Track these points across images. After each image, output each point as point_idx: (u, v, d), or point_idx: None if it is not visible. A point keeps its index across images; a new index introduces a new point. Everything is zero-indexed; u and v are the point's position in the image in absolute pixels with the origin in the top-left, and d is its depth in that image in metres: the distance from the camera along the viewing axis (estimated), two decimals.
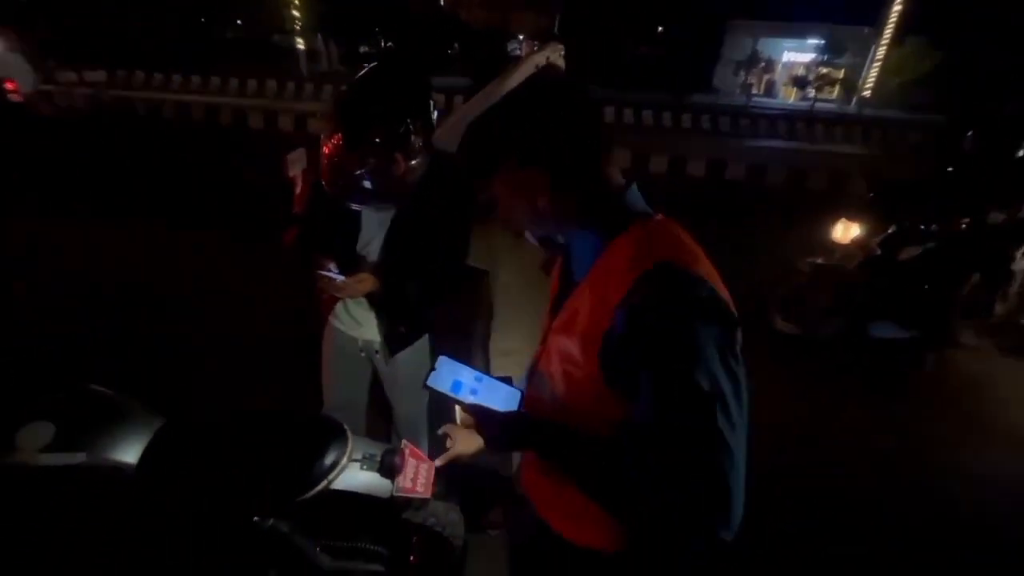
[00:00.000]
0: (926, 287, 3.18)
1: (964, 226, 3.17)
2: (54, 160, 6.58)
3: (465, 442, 0.97)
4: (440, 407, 0.95)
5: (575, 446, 0.74)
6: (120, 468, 0.97)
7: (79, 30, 16.53)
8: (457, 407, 0.89)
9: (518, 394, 0.86)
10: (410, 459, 1.21)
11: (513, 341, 1.23)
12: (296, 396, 1.69)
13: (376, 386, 1.80)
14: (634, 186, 0.79)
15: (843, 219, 3.29)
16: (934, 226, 3.15)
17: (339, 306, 1.66)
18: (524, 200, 0.76)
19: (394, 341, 1.63)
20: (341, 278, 1.42)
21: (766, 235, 5.28)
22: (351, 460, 1.13)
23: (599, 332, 0.69)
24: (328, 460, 1.10)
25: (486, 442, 0.82)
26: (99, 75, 9.67)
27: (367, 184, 1.33)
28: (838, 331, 3.20)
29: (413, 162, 1.35)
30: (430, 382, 0.83)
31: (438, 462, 1.06)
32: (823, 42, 22.36)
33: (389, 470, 1.16)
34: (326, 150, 1.34)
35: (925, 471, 2.45)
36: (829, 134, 13.65)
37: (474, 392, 0.84)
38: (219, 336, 3.05)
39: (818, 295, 3.30)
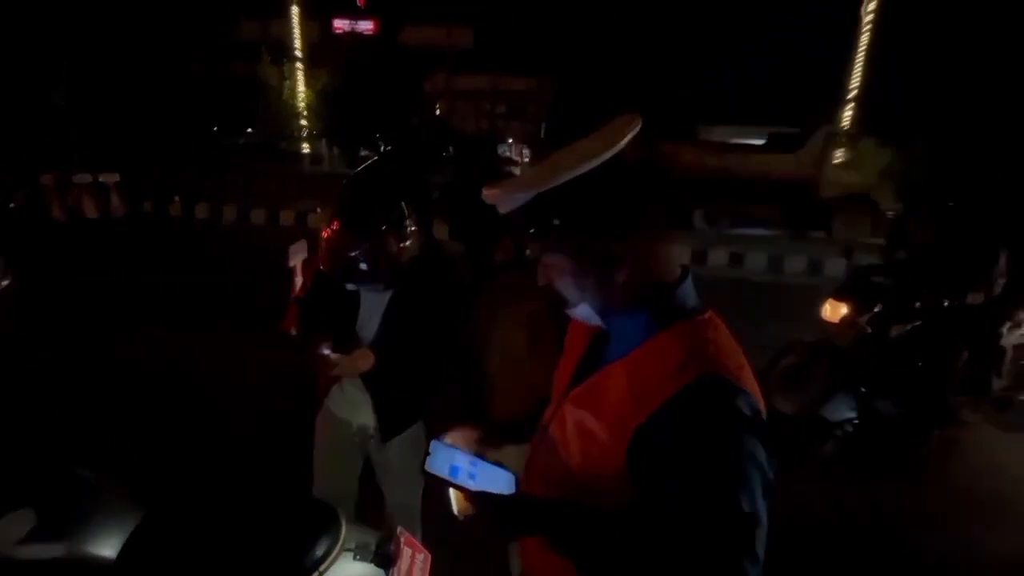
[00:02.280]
0: (920, 364, 3.21)
1: (946, 304, 3.27)
2: (67, 259, 6.78)
3: None
4: (435, 492, 0.91)
5: (584, 534, 0.71)
6: (99, 562, 0.91)
7: (96, 133, 17.87)
8: (452, 496, 0.86)
9: (513, 479, 0.85)
10: (406, 548, 1.14)
11: (512, 406, 1.22)
12: (287, 483, 1.64)
13: (366, 475, 1.74)
14: (689, 279, 0.77)
15: (830, 299, 3.38)
16: (918, 304, 3.25)
17: (335, 389, 1.65)
18: (595, 272, 0.72)
19: (388, 426, 1.61)
20: (337, 356, 1.44)
21: (754, 317, 5.38)
22: (344, 550, 1.07)
23: (631, 425, 0.67)
24: (320, 550, 1.03)
25: (490, 531, 0.78)
26: (114, 177, 10.18)
27: (363, 265, 1.41)
28: (839, 409, 3.16)
29: (406, 244, 1.45)
30: (428, 467, 0.81)
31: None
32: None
33: (384, 561, 1.08)
34: (325, 235, 1.45)
35: (932, 551, 2.36)
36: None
37: (472, 476, 0.82)
38: (215, 420, 3.03)
39: (814, 374, 3.30)
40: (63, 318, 4.53)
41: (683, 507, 0.62)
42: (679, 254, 0.78)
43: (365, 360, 1.46)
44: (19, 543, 0.85)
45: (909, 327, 3.23)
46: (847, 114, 21.20)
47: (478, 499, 0.77)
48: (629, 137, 0.71)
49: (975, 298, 3.32)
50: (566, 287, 0.76)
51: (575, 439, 0.77)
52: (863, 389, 3.18)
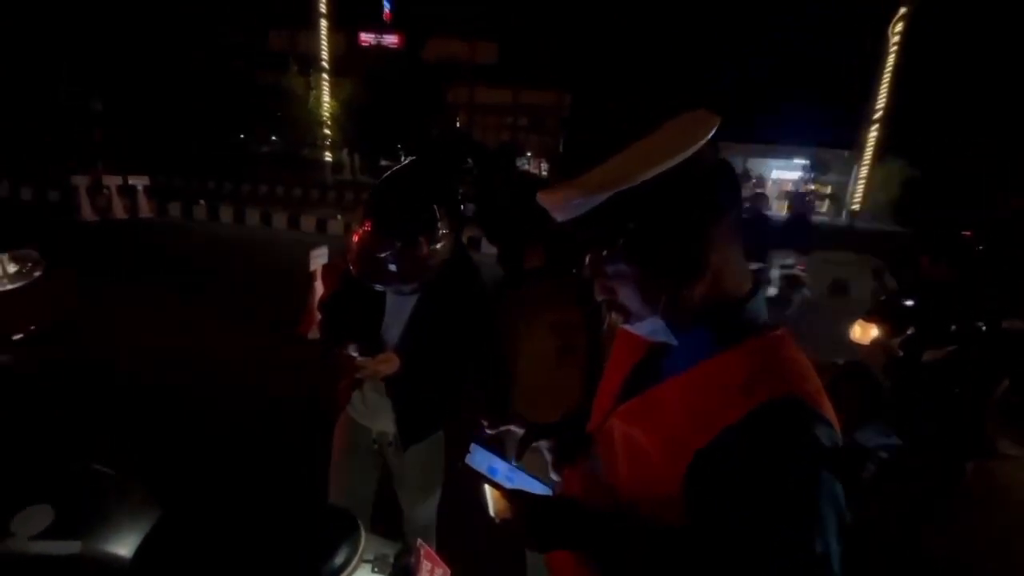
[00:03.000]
0: (956, 391, 3.07)
1: (983, 329, 3.13)
2: (97, 258, 6.95)
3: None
4: (449, 498, 0.87)
5: (627, 550, 0.65)
6: (115, 560, 0.88)
7: (129, 137, 18.51)
8: (489, 496, 0.83)
9: (550, 492, 0.82)
10: (425, 562, 1.09)
11: (539, 416, 1.18)
12: (304, 486, 1.61)
13: (381, 484, 1.70)
14: (761, 292, 0.70)
15: (860, 320, 3.27)
16: (954, 327, 3.12)
17: (356, 395, 1.62)
18: (670, 282, 0.66)
19: (409, 432, 1.57)
20: (362, 358, 1.41)
21: None
22: (362, 560, 1.02)
23: (692, 446, 0.62)
24: (338, 559, 0.99)
25: (524, 537, 0.71)
26: (143, 180, 10.49)
27: (392, 267, 1.38)
28: (872, 435, 3.03)
29: (437, 246, 1.41)
30: (468, 461, 0.80)
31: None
32: (808, 162, 24.30)
33: (403, 573, 1.04)
34: (355, 237, 1.42)
35: None
36: (824, 242, 14.22)
37: (510, 480, 0.80)
38: (234, 422, 3.03)
39: (844, 397, 3.18)
40: (79, 317, 4.58)
41: (748, 541, 0.56)
42: (749, 266, 0.72)
43: (389, 363, 1.43)
44: (35, 538, 0.83)
45: (943, 352, 3.10)
46: (872, 134, 20.96)
47: (516, 498, 0.72)
48: (711, 133, 0.64)
49: (1013, 324, 3.18)
50: (633, 300, 0.69)
51: (624, 457, 0.71)
52: (895, 415, 3.05)
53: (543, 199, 0.67)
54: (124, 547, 0.92)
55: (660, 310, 0.68)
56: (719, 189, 0.66)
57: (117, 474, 1.08)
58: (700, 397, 0.64)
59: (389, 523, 1.72)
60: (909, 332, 3.14)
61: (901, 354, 3.12)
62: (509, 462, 0.82)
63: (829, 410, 0.62)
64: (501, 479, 0.79)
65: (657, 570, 0.62)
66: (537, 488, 0.80)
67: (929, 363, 3.09)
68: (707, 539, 0.59)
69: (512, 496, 0.72)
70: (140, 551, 0.92)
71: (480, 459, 0.81)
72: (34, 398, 2.88)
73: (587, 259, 0.71)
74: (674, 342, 0.71)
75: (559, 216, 0.67)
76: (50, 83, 18.25)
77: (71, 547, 0.85)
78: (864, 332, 3.26)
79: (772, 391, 0.60)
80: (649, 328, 0.70)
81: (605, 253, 0.68)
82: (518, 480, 0.80)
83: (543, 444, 0.86)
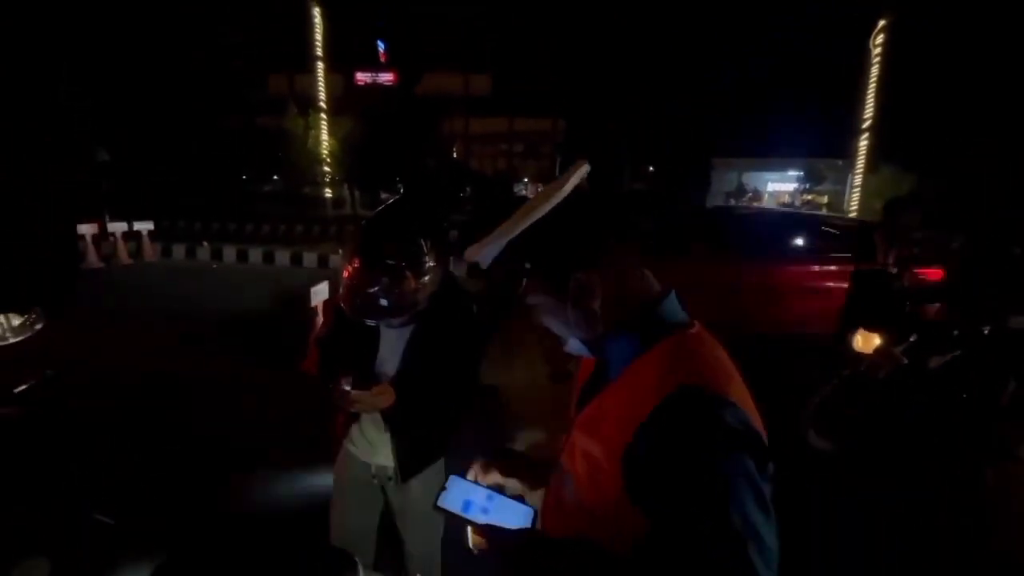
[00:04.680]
0: (964, 396, 3.03)
1: (987, 332, 3.10)
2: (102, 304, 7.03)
3: None
4: (455, 535, 0.88)
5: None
6: None
7: (134, 184, 18.91)
8: (469, 529, 0.84)
9: (531, 512, 0.83)
10: None
11: (530, 448, 1.18)
12: (305, 524, 1.60)
13: (385, 519, 1.69)
14: (672, 293, 0.78)
15: (861, 328, 3.25)
16: (956, 332, 3.09)
17: (354, 429, 1.63)
18: (572, 305, 0.75)
19: (408, 465, 1.57)
20: (357, 392, 1.42)
21: (784, 346, 5.20)
22: None
23: (621, 446, 0.67)
24: None
25: (503, 566, 0.74)
26: (147, 225, 10.68)
27: (382, 301, 1.41)
28: (877, 445, 2.97)
29: (424, 279, 1.44)
30: (440, 502, 0.82)
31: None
32: (802, 173, 24.50)
33: None
34: (346, 274, 1.45)
35: None
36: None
37: (486, 511, 0.82)
38: (240, 457, 3.01)
39: (849, 408, 3.14)
40: (87, 358, 4.61)
41: (671, 531, 0.59)
42: (650, 273, 0.80)
43: (385, 396, 1.44)
44: None
45: (949, 357, 3.06)
46: (863, 143, 21.19)
47: (486, 533, 0.75)
48: (575, 180, 0.76)
49: (1018, 322, 3.15)
50: (553, 324, 0.79)
51: (583, 468, 0.75)
52: (905, 424, 3.00)
53: (467, 255, 0.79)
54: None
55: (573, 329, 0.77)
56: (595, 221, 0.78)
57: (118, 522, 1.08)
58: (626, 399, 0.69)
59: (392, 559, 1.70)
60: (912, 339, 3.11)
61: (906, 361, 3.09)
62: (489, 490, 0.83)
63: (738, 396, 0.67)
64: (476, 512, 0.80)
65: None
66: (518, 510, 0.82)
67: (935, 369, 3.05)
68: (647, 540, 0.61)
69: (484, 531, 0.75)
70: None
71: (455, 495, 0.82)
72: (36, 449, 2.88)
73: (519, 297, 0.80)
74: (590, 356, 0.80)
75: (482, 264, 0.78)
76: (49, 89, 18.61)
77: None
78: (866, 341, 3.22)
79: (678, 382, 0.65)
80: (574, 347, 0.80)
81: (522, 290, 0.78)
82: (496, 507, 0.81)
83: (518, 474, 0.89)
